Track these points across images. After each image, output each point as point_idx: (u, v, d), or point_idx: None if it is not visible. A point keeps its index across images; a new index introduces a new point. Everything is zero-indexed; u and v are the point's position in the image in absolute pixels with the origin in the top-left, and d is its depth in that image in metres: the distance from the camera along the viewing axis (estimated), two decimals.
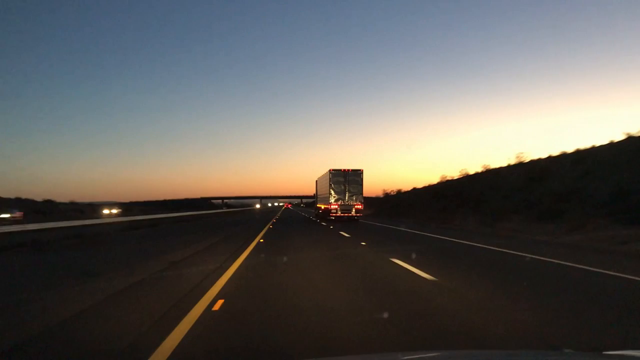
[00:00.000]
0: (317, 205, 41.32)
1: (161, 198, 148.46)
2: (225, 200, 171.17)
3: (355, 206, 31.16)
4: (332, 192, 31.18)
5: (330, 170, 31.48)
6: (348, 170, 31.39)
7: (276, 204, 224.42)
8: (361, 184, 31.37)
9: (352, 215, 31.24)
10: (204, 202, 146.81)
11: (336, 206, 31.02)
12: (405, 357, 2.48)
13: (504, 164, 38.57)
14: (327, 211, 31.94)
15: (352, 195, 31.30)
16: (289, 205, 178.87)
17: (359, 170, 31.56)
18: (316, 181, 42.72)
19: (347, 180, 31.20)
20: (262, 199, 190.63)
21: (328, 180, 31.56)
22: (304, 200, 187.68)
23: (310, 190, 48.67)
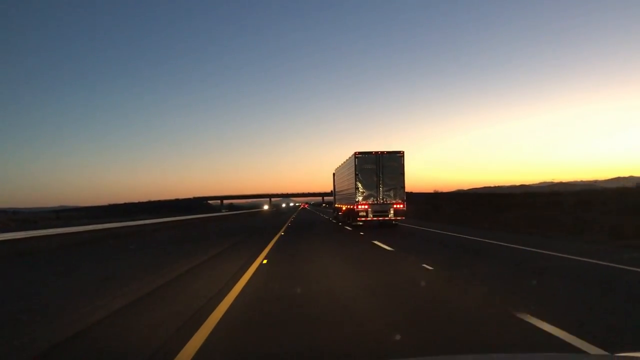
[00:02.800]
0: (337, 206, 32.88)
1: (145, 200, 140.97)
2: (225, 201, 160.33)
3: (394, 205, 22.79)
4: (359, 185, 22.89)
5: (355, 154, 23.07)
6: (382, 153, 23.00)
7: (292, 204, 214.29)
8: (402, 173, 22.92)
9: (389, 219, 23.00)
10: (198, 203, 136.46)
11: (365, 206, 22.73)
12: None
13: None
14: (352, 213, 23.67)
15: (389, 190, 22.93)
16: (306, 206, 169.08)
17: (398, 152, 23.08)
18: (333, 173, 34.10)
19: (380, 167, 22.81)
20: (272, 197, 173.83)
21: (353, 169, 23.21)
22: (326, 199, 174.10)
23: (331, 186, 37.63)
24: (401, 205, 22.69)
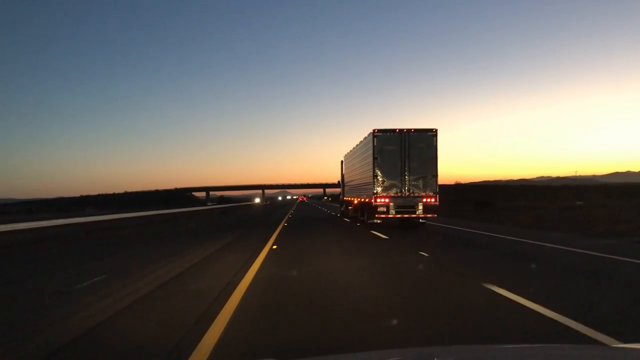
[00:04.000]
0: (345, 199, 28.15)
1: (121, 191, 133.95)
2: (213, 193, 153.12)
3: (424, 199, 17.95)
4: (379, 173, 17.98)
5: (373, 132, 17.98)
6: (409, 130, 18.05)
7: (288, 197, 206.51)
8: (434, 157, 17.83)
9: (416, 216, 18.25)
10: (180, 195, 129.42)
11: (385, 200, 17.78)
12: (410, 352, 2.68)
13: None
14: (368, 208, 18.88)
15: (417, 180, 17.97)
16: (304, 199, 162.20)
17: (430, 130, 18.00)
18: (341, 161, 29.24)
19: (406, 149, 17.84)
20: (265, 189, 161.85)
21: (370, 152, 18.22)
22: (329, 191, 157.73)
23: (336, 177, 33.48)
24: (432, 199, 17.86)
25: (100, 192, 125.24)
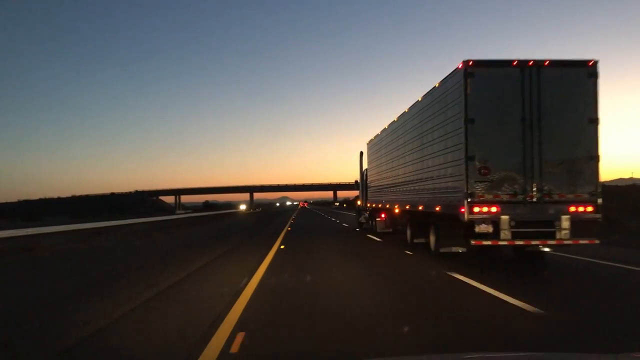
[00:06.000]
0: (370, 205, 19.40)
1: (68, 194, 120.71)
2: (185, 197, 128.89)
3: (573, 207, 8.66)
4: (477, 152, 8.67)
5: (464, 67, 8.77)
6: (537, 65, 8.95)
7: (288, 202, 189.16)
8: (593, 119, 8.71)
9: (557, 243, 8.72)
10: (142, 200, 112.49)
11: (491, 208, 8.59)
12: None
13: None
14: (446, 225, 9.96)
15: (558, 165, 9.00)
16: (305, 204, 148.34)
17: (581, 63, 9.06)
18: (361, 153, 21.29)
19: (534, 102, 8.88)
20: (254, 191, 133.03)
21: (457, 111, 9.11)
22: (341, 195, 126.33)
23: (353, 176, 25.36)
24: (590, 207, 8.94)
25: (44, 196, 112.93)
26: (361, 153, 21.19)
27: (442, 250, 10.18)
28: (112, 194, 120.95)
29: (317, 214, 60.82)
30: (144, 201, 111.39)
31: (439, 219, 10.45)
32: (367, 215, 20.32)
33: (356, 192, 24.24)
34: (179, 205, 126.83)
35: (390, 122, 15.36)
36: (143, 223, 33.21)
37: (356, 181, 22.69)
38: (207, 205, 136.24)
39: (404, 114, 13.57)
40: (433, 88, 10.84)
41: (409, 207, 12.77)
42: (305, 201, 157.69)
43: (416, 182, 12.12)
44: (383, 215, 16.67)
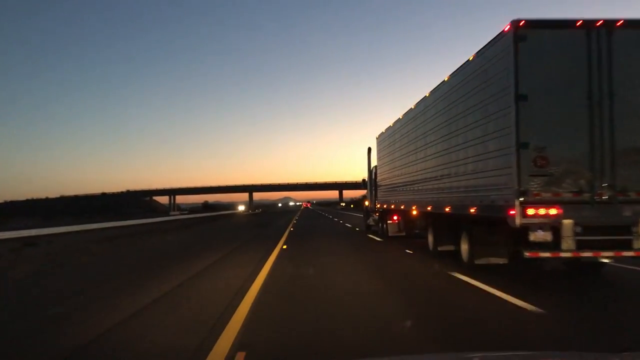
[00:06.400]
0: (379, 206, 17.39)
1: (57, 195, 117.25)
2: (181, 197, 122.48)
3: None
4: (533, 137, 6.73)
5: (513, 28, 6.83)
6: (607, 26, 6.88)
7: (291, 203, 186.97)
8: None
9: (637, 254, 6.96)
10: (133, 200, 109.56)
11: (551, 210, 6.64)
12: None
13: None
14: (485, 232, 7.99)
15: (635, 153, 7.49)
16: (308, 205, 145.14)
17: None
18: (369, 149, 19.54)
19: (603, 74, 6.79)
20: (253, 190, 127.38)
21: (504, 85, 7.13)
22: (347, 196, 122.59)
23: (360, 174, 21.30)
24: None
25: (31, 197, 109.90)
26: (369, 149, 19.38)
27: (478, 262, 8.24)
28: (103, 194, 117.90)
29: (321, 214, 58.67)
30: (136, 202, 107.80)
31: (474, 223, 8.52)
32: (376, 217, 18.44)
33: (364, 192, 22.40)
34: (173, 206, 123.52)
35: (405, 111, 13.44)
36: (108, 228, 30.16)
37: (364, 180, 20.81)
38: (207, 206, 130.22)
39: (424, 99, 11.62)
40: (465, 63, 8.91)
41: (431, 208, 10.82)
42: (308, 202, 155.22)
43: (441, 179, 10.19)
44: (395, 217, 14.76)
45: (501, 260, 8.04)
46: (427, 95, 11.28)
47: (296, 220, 40.61)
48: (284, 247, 14.31)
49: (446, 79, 9.96)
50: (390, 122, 15.18)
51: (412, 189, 12.53)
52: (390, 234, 15.12)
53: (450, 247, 9.83)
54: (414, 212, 12.51)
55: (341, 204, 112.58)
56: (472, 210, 8.42)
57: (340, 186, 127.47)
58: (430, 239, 11.16)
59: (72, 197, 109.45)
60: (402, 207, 13.72)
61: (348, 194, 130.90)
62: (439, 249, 10.47)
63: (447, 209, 9.72)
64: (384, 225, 16.07)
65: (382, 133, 16.70)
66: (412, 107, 12.61)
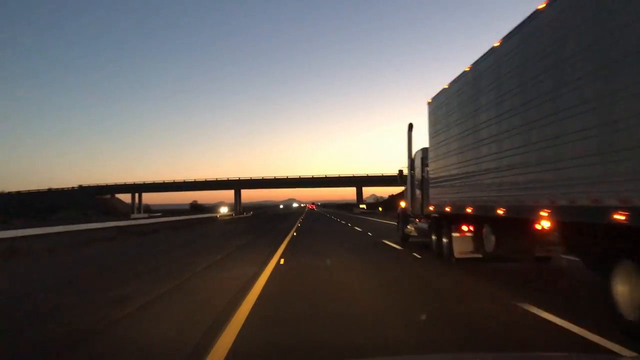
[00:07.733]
0: (437, 210, 11.62)
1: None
2: (149, 195, 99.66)
3: None
4: None
5: None
6: None
7: (295, 204, 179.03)
8: None
9: None
10: (85, 198, 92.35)
11: None
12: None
13: None
14: None
15: None
16: (313, 207, 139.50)
17: None
18: (409, 127, 14.99)
19: None
20: (241, 187, 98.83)
21: None
22: (369, 194, 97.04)
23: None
24: None
25: None
26: (410, 126, 14.74)
27: None
28: (49, 189, 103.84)
29: (337, 221, 39.70)
30: (93, 201, 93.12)
31: None
32: (422, 225, 13.64)
33: (397, 189, 17.34)
34: (139, 207, 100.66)
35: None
36: None
37: (400, 172, 15.94)
38: (196, 207, 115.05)
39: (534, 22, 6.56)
40: None
41: (557, 215, 5.79)
42: (313, 203, 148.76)
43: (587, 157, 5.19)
44: (466, 228, 9.64)
45: None
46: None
47: (299, 223, 32.53)
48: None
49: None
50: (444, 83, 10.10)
51: (504, 181, 7.51)
52: (457, 255, 9.86)
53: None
54: (514, 222, 7.47)
55: (361, 206, 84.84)
56: None
57: (358, 181, 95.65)
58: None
59: (13, 193, 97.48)
60: (480, 212, 8.60)
61: (368, 191, 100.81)
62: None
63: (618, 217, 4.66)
64: (444, 240, 10.90)
65: (442, 92, 11.30)
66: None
